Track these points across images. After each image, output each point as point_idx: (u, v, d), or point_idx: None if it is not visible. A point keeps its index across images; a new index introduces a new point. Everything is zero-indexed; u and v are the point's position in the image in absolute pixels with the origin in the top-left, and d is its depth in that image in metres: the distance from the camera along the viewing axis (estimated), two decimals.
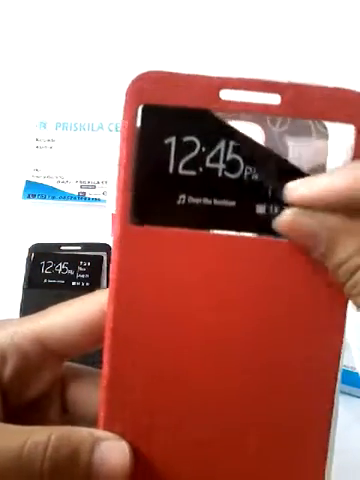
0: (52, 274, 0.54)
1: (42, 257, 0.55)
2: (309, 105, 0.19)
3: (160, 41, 0.71)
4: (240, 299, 0.20)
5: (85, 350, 0.24)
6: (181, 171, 0.20)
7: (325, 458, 0.21)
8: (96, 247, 0.56)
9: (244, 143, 0.19)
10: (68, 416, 0.26)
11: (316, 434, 0.20)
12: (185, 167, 0.19)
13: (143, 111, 0.19)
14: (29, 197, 0.60)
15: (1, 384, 0.23)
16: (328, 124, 0.20)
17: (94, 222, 0.59)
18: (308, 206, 0.19)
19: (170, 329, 0.20)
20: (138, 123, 0.19)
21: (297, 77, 0.20)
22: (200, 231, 0.20)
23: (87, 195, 0.60)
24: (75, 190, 0.60)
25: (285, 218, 0.19)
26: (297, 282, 0.20)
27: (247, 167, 0.20)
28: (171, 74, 0.20)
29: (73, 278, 0.53)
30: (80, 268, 0.54)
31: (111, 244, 0.21)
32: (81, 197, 0.60)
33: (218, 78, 0.20)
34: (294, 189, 0.19)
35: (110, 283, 0.21)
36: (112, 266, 0.20)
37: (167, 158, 0.19)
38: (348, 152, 0.20)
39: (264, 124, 0.20)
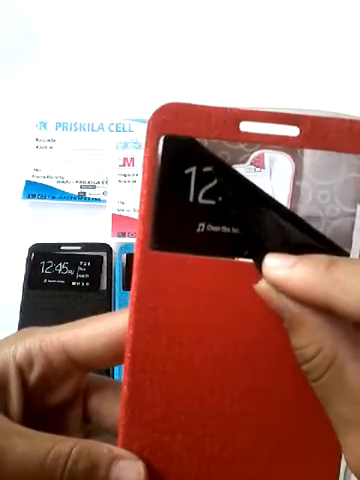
0: (52, 274, 0.54)
1: (42, 257, 0.55)
2: (326, 137, 0.20)
3: (160, 41, 0.71)
4: (254, 323, 0.21)
5: (108, 365, 0.26)
6: (201, 200, 0.20)
7: (338, 470, 0.22)
8: (96, 247, 0.56)
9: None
10: (89, 426, 0.27)
11: (328, 451, 0.21)
12: (204, 196, 0.20)
13: (164, 142, 0.20)
14: (29, 197, 0.60)
15: (27, 387, 0.24)
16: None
17: (94, 222, 0.59)
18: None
19: (185, 351, 0.21)
20: (159, 153, 0.20)
21: (317, 108, 0.21)
22: (218, 258, 0.21)
23: (87, 195, 0.60)
24: (75, 190, 0.60)
25: (259, 286, 0.20)
26: None
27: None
28: (192, 106, 0.20)
29: (73, 278, 0.53)
30: (80, 268, 0.54)
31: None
32: (81, 197, 0.60)
33: (237, 110, 0.20)
34: (270, 268, 0.20)
35: (129, 305, 0.22)
36: (132, 289, 0.21)
37: (187, 187, 0.20)
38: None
39: (293, 153, 0.21)
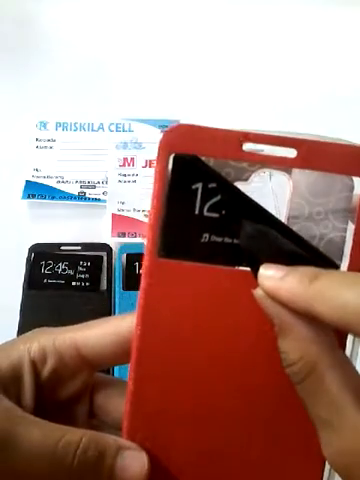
0: (52, 274, 0.54)
1: (42, 257, 0.55)
2: (321, 159, 0.22)
3: (160, 41, 0.71)
4: (253, 326, 0.23)
5: (116, 363, 0.28)
6: (205, 213, 0.22)
7: (324, 463, 0.23)
8: (96, 247, 0.56)
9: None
10: (94, 421, 0.28)
11: (315, 440, 0.22)
12: (209, 210, 0.22)
13: (174, 160, 0.22)
14: (29, 197, 0.60)
15: (40, 380, 0.26)
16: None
17: (94, 222, 0.59)
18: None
19: (188, 351, 0.23)
20: (169, 170, 0.22)
21: (316, 132, 0.23)
22: (220, 266, 0.23)
23: (87, 195, 0.60)
24: (75, 190, 0.60)
25: (256, 293, 0.22)
26: None
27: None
28: (200, 128, 0.22)
29: (73, 278, 0.53)
30: (80, 268, 0.54)
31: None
32: (81, 197, 0.60)
33: (241, 132, 0.22)
34: (264, 277, 0.22)
35: (137, 308, 0.23)
36: (140, 292, 0.23)
37: (194, 201, 0.22)
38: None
39: (291, 173, 0.23)
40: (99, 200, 0.60)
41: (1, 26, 0.72)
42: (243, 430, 0.24)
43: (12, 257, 0.56)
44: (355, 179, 0.22)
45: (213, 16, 0.73)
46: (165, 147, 0.22)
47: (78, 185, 0.61)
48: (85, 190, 0.60)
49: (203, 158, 0.22)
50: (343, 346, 0.23)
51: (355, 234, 0.22)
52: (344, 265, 0.23)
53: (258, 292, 0.22)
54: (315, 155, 0.22)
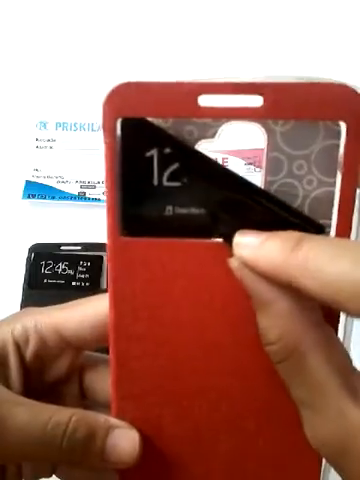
0: (52, 274, 0.54)
1: (42, 257, 0.55)
2: (293, 105, 0.19)
3: (160, 41, 0.71)
4: (229, 299, 0.21)
5: (98, 344, 0.27)
6: (165, 183, 0.20)
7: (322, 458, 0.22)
8: (96, 247, 0.56)
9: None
10: (86, 401, 0.28)
11: None
12: (169, 179, 0.20)
13: (122, 125, 0.19)
14: (29, 197, 0.60)
15: (25, 362, 0.26)
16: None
17: (94, 222, 0.58)
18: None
19: (165, 329, 0.22)
20: (118, 137, 0.19)
21: (283, 74, 0.19)
22: (189, 239, 0.21)
23: (87, 195, 0.60)
24: (75, 190, 0.60)
25: (230, 263, 0.20)
26: None
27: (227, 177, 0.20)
28: (147, 84, 0.19)
29: (73, 278, 0.53)
30: (80, 268, 0.54)
31: None
32: (81, 197, 0.60)
33: (195, 84, 0.19)
34: (239, 246, 0.19)
35: (108, 290, 0.22)
36: (109, 275, 0.22)
37: (150, 171, 0.20)
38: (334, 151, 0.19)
39: (265, 123, 0.19)
40: (99, 200, 0.60)
41: (1, 26, 0.72)
42: (232, 407, 0.23)
43: (12, 257, 0.56)
44: (341, 124, 0.19)
45: (213, 16, 0.73)
46: (110, 111, 0.19)
47: (78, 185, 0.61)
48: (85, 190, 0.60)
49: (156, 120, 0.19)
50: (334, 323, 0.20)
51: (342, 189, 0.19)
52: (333, 225, 0.20)
53: (233, 262, 0.19)
54: (286, 100, 0.18)
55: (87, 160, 0.62)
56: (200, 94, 0.19)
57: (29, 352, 0.26)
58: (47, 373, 0.27)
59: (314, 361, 0.19)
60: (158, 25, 0.73)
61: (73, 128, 0.65)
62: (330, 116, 0.19)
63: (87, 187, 0.61)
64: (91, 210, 0.59)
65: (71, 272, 0.54)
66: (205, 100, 0.19)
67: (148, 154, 0.19)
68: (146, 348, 0.22)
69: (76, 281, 0.53)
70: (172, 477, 0.24)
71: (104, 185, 0.60)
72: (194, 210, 0.20)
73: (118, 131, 0.19)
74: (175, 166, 0.20)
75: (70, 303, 0.27)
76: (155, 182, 0.20)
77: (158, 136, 0.19)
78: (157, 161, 0.19)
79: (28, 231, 0.58)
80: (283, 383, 0.20)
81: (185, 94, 0.19)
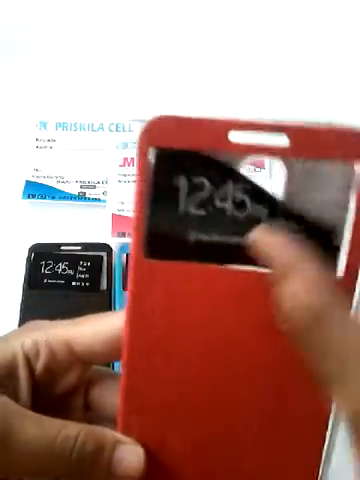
0: (52, 274, 0.54)
1: (42, 257, 0.55)
2: (316, 145, 0.20)
3: (160, 41, 0.71)
4: (241, 320, 0.22)
5: (107, 360, 0.27)
6: (191, 210, 0.21)
7: (319, 460, 0.23)
8: (96, 247, 0.56)
9: (249, 184, 0.21)
10: (90, 414, 0.28)
11: (311, 438, 0.22)
12: (195, 206, 0.21)
13: (155, 154, 0.21)
14: (29, 197, 0.60)
15: (34, 376, 0.26)
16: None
17: (94, 222, 0.59)
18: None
19: (178, 347, 0.23)
20: (150, 165, 0.21)
21: (307, 117, 0.21)
22: (209, 265, 0.22)
23: (87, 195, 0.60)
24: (75, 190, 0.60)
25: (250, 236, 0.20)
26: None
27: (254, 206, 0.21)
28: (181, 118, 0.21)
29: (73, 278, 0.53)
30: (80, 268, 0.54)
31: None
32: (81, 197, 0.60)
33: (226, 120, 0.21)
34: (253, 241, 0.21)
35: (125, 308, 0.23)
36: (128, 293, 0.23)
37: (178, 198, 0.21)
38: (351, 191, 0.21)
39: (286, 159, 0.21)
40: (99, 200, 0.60)
41: (1, 26, 0.72)
42: (238, 421, 0.23)
43: (12, 257, 0.56)
44: (356, 165, 0.21)
45: (213, 16, 0.73)
46: (145, 141, 0.21)
47: (78, 185, 0.61)
48: (85, 190, 0.60)
49: (186, 151, 0.21)
50: (351, 293, 0.21)
51: (355, 228, 0.21)
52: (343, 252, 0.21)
53: (254, 234, 0.20)
54: (309, 141, 0.20)
55: (87, 160, 0.62)
56: (230, 129, 0.21)
57: (39, 366, 0.26)
58: (56, 386, 0.27)
59: (342, 329, 0.19)
60: (158, 25, 0.73)
61: (73, 128, 0.65)
62: (347, 157, 0.20)
63: (87, 187, 0.61)
64: (91, 210, 0.59)
65: (71, 272, 0.54)
66: (235, 136, 0.21)
67: (177, 182, 0.21)
68: (158, 365, 0.23)
69: (76, 281, 0.53)
70: None
71: (104, 187, 0.60)
72: (216, 237, 0.21)
73: (151, 159, 0.21)
74: (202, 194, 0.21)
75: (81, 318, 0.27)
76: (182, 209, 0.21)
77: (188, 166, 0.21)
78: (185, 189, 0.21)
79: (28, 231, 0.58)
80: (287, 398, 0.21)
81: (217, 129, 0.21)
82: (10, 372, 0.26)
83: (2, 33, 0.72)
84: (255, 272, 0.21)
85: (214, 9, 0.73)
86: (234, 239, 0.21)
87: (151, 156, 0.21)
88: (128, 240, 0.57)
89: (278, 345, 0.22)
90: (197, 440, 0.24)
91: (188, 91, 0.67)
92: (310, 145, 0.20)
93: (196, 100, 0.66)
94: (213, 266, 0.22)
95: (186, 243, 0.22)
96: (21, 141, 0.63)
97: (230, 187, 0.21)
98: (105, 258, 0.55)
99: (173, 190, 0.21)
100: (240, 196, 0.21)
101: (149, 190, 0.21)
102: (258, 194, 0.21)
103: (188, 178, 0.21)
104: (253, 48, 0.71)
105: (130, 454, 0.24)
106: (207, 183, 0.21)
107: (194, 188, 0.21)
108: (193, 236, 0.21)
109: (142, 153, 0.21)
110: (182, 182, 0.21)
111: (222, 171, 0.21)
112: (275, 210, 0.21)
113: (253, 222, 0.21)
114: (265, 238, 0.20)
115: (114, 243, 0.56)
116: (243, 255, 0.21)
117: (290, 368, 0.22)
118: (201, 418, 0.24)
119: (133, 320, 0.23)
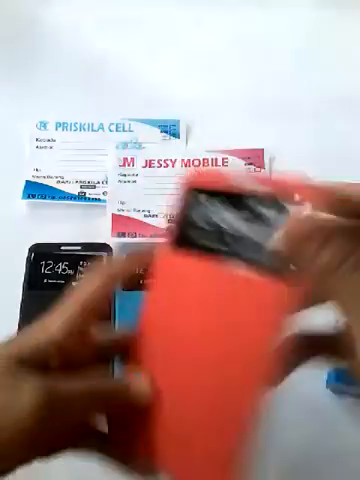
0: (52, 274, 0.54)
1: (42, 257, 0.55)
2: (329, 205, 0.26)
3: (160, 41, 0.71)
4: (212, 322, 0.29)
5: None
6: (205, 227, 0.29)
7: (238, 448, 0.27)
8: (96, 247, 0.56)
9: (240, 215, 0.28)
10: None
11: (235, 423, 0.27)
12: (207, 224, 0.29)
13: (191, 192, 0.30)
14: (29, 197, 0.60)
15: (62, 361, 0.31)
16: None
17: (94, 222, 0.59)
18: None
19: (176, 322, 0.30)
20: (188, 200, 0.30)
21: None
22: (211, 266, 0.29)
23: (87, 195, 0.60)
24: (75, 190, 0.60)
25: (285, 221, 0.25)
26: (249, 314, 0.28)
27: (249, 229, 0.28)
28: (216, 172, 0.29)
29: (73, 278, 0.53)
30: (80, 268, 0.54)
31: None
32: (81, 197, 0.60)
33: (249, 175, 0.30)
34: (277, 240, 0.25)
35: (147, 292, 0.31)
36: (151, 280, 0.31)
37: (199, 218, 0.30)
38: None
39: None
40: (99, 200, 0.60)
41: (1, 26, 0.72)
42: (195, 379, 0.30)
43: (12, 257, 0.56)
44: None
45: (212, 16, 0.73)
46: (185, 184, 0.30)
47: (78, 185, 0.61)
48: (85, 190, 0.60)
49: (210, 192, 0.29)
50: None
51: None
52: None
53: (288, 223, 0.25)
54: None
55: (87, 160, 0.62)
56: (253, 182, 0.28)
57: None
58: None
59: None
60: (158, 25, 0.73)
61: (73, 128, 0.65)
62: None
63: (87, 187, 0.61)
64: (91, 210, 0.59)
65: (71, 272, 0.54)
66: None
67: (200, 209, 0.30)
68: (161, 338, 0.31)
69: (76, 281, 0.53)
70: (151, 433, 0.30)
71: (104, 187, 0.60)
72: (223, 248, 0.28)
73: (187, 196, 0.30)
74: (214, 218, 0.29)
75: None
76: (200, 225, 0.29)
77: (203, 200, 0.29)
78: (204, 214, 0.29)
79: (28, 231, 0.58)
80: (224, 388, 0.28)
81: (244, 180, 0.28)
82: (41, 357, 0.30)
83: (2, 33, 0.72)
84: (242, 276, 0.27)
85: (215, 11, 0.73)
86: (233, 248, 0.28)
87: (188, 193, 0.30)
88: (128, 240, 0.57)
89: (228, 334, 0.28)
90: (172, 384, 0.30)
91: (188, 91, 0.67)
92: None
93: (196, 100, 0.66)
94: (214, 267, 0.29)
95: (198, 248, 0.30)
96: (21, 141, 0.63)
97: (231, 217, 0.29)
98: (105, 258, 0.55)
99: (196, 215, 0.30)
100: (237, 223, 0.28)
101: (183, 216, 0.30)
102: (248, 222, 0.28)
103: (217, 205, 0.29)
104: (252, 46, 0.71)
105: (143, 380, 0.30)
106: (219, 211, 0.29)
107: (209, 214, 0.29)
108: (203, 244, 0.29)
109: (184, 190, 0.30)
110: (212, 208, 0.29)
111: (228, 205, 0.29)
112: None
113: (240, 239, 0.28)
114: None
115: (114, 243, 0.56)
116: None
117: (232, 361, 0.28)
118: (179, 369, 0.30)
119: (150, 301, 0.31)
